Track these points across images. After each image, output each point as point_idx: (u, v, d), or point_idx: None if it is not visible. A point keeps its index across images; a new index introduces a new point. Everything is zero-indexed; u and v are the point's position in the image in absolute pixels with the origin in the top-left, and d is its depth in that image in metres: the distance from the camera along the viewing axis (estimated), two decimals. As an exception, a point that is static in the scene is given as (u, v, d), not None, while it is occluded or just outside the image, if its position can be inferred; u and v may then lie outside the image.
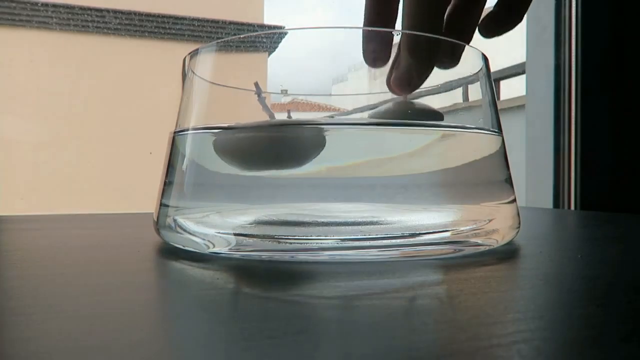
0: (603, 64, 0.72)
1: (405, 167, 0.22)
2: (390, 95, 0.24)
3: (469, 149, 0.23)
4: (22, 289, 0.15)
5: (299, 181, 0.21)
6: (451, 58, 0.23)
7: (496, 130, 0.24)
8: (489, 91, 0.24)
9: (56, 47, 0.96)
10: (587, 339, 0.11)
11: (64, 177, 0.97)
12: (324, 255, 0.19)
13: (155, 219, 0.23)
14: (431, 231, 0.20)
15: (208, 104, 0.24)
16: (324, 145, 0.20)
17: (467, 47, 0.24)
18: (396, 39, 0.23)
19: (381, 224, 0.20)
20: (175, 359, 0.10)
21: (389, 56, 0.24)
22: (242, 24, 1.05)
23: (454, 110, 0.24)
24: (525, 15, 0.26)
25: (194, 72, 0.24)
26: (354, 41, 0.24)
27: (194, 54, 0.24)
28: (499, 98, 0.97)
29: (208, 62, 0.24)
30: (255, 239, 0.19)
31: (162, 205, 0.23)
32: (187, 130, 0.23)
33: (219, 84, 0.23)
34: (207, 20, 1.02)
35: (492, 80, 0.25)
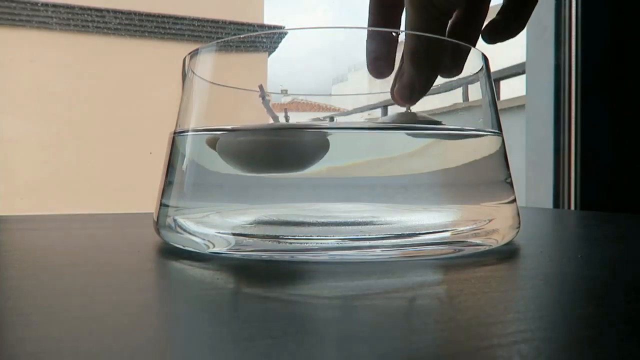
0: (603, 64, 0.72)
1: (405, 167, 0.22)
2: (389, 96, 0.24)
3: (469, 149, 0.23)
4: (21, 289, 0.15)
5: (299, 181, 0.21)
6: (454, 68, 0.23)
7: (496, 131, 0.24)
8: (489, 91, 0.24)
9: (56, 47, 0.96)
10: (587, 339, 0.11)
11: (64, 177, 0.97)
12: (324, 255, 0.19)
13: (155, 219, 0.23)
14: (431, 231, 0.20)
15: (208, 104, 0.24)
16: (328, 149, 0.20)
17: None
18: (400, 53, 0.23)
19: (381, 224, 0.20)
20: (175, 359, 0.10)
21: (393, 67, 0.24)
22: (242, 24, 1.05)
23: (454, 110, 0.24)
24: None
25: (194, 72, 0.24)
26: (354, 41, 0.24)
27: (194, 54, 0.24)
28: (499, 98, 0.97)
29: (208, 62, 0.24)
30: (255, 239, 0.19)
31: (162, 205, 0.23)
32: (187, 130, 0.23)
33: (219, 84, 0.23)
34: (207, 20, 1.02)
35: (492, 80, 0.25)
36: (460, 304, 0.14)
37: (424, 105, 0.23)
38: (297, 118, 0.25)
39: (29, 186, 0.93)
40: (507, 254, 0.22)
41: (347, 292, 0.15)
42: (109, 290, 0.15)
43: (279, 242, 0.19)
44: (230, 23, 1.05)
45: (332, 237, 0.19)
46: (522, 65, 0.82)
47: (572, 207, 0.72)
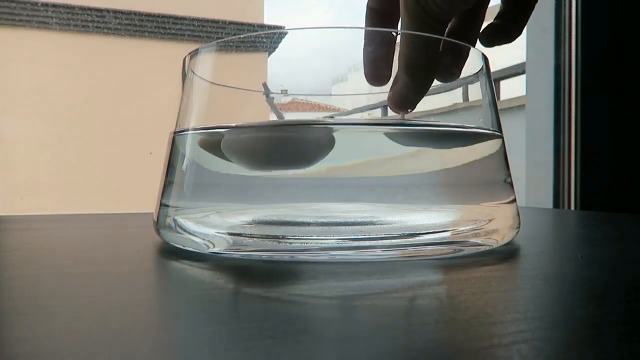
0: (603, 64, 0.72)
1: (405, 167, 0.22)
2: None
3: (469, 149, 0.23)
4: (21, 289, 0.15)
5: (298, 181, 0.21)
6: (450, 73, 0.23)
7: (496, 130, 0.24)
8: (489, 91, 0.24)
9: (56, 47, 0.96)
10: (587, 339, 0.11)
11: (64, 177, 0.97)
12: (324, 255, 0.19)
13: (155, 219, 0.23)
14: (431, 231, 0.20)
15: (208, 104, 0.24)
16: (334, 146, 0.20)
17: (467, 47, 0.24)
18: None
19: (381, 224, 0.20)
20: (175, 359, 0.10)
21: (391, 71, 0.24)
22: (242, 24, 1.05)
23: (454, 110, 0.24)
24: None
25: (194, 72, 0.24)
26: (354, 41, 0.24)
27: (194, 54, 0.24)
28: (499, 98, 0.97)
29: (208, 62, 0.24)
30: (255, 239, 0.19)
31: (162, 205, 0.23)
32: (187, 130, 0.23)
33: (219, 84, 0.23)
34: (207, 20, 1.02)
35: (492, 80, 0.25)
36: (460, 304, 0.14)
37: (424, 105, 0.23)
38: (298, 118, 0.25)
39: (29, 186, 0.93)
40: (507, 254, 0.22)
41: (347, 292, 0.15)
42: (108, 290, 0.15)
43: (279, 242, 0.19)
44: (230, 23, 1.05)
45: (332, 237, 0.19)
46: (522, 65, 0.82)
47: (572, 207, 0.72)
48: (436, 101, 0.24)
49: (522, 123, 0.81)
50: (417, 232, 0.20)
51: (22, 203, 0.87)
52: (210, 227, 0.21)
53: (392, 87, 0.23)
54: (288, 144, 0.21)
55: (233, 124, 0.22)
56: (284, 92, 0.24)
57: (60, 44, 0.96)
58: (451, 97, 0.25)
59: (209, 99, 0.24)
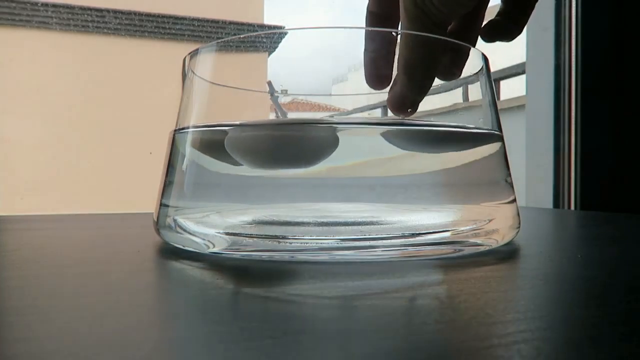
0: (603, 64, 0.72)
1: (405, 167, 0.22)
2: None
3: (469, 149, 0.23)
4: (22, 289, 0.15)
5: (298, 181, 0.21)
6: (450, 73, 0.23)
7: (496, 130, 0.24)
8: (489, 91, 0.24)
9: (56, 47, 0.96)
10: (587, 339, 0.11)
11: (64, 177, 0.97)
12: (324, 255, 0.19)
13: (155, 219, 0.23)
14: (431, 231, 0.20)
15: (208, 103, 0.24)
16: (338, 145, 0.20)
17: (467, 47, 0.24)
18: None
19: (381, 224, 0.20)
20: (175, 359, 0.10)
21: (390, 77, 0.24)
22: (242, 24, 1.05)
23: (454, 110, 0.24)
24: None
25: (194, 72, 0.24)
26: (354, 41, 0.24)
27: (194, 54, 0.24)
28: (499, 98, 0.97)
29: (208, 62, 0.24)
30: (255, 239, 0.19)
31: (162, 205, 0.23)
32: (187, 130, 0.23)
33: (219, 84, 0.23)
34: (207, 20, 1.02)
35: (492, 80, 0.25)
36: (460, 304, 0.14)
37: (424, 105, 0.23)
38: (300, 117, 0.25)
39: (29, 186, 0.93)
40: (507, 254, 0.22)
41: (347, 292, 0.15)
42: (108, 290, 0.15)
43: (279, 242, 0.19)
44: (230, 23, 1.05)
45: (332, 237, 0.19)
46: (522, 65, 0.82)
47: (572, 207, 0.72)
48: (436, 101, 0.24)
49: (522, 123, 0.81)
50: (417, 232, 0.20)
51: (22, 203, 0.87)
52: (210, 227, 0.21)
53: (390, 89, 0.23)
54: (293, 142, 0.21)
55: (237, 122, 0.22)
56: (284, 92, 0.24)
57: (60, 44, 0.96)
58: (451, 97, 0.25)
59: (209, 99, 0.24)
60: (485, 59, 0.24)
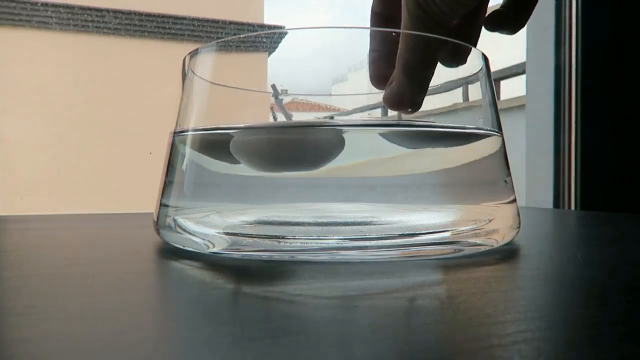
0: (603, 64, 0.72)
1: (405, 167, 0.22)
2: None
3: (469, 148, 0.23)
4: (22, 289, 0.15)
5: (298, 181, 0.21)
6: (452, 60, 0.23)
7: (496, 130, 0.24)
8: (489, 91, 0.24)
9: (56, 47, 0.96)
10: (587, 339, 0.11)
11: (64, 177, 0.97)
12: (324, 255, 0.19)
13: (155, 219, 0.23)
14: (431, 231, 0.20)
15: (208, 103, 0.24)
16: (344, 147, 0.20)
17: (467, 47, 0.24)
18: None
19: (381, 224, 0.20)
20: (175, 359, 0.10)
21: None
22: (242, 24, 1.05)
23: (454, 110, 0.24)
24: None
25: (194, 72, 0.24)
26: (354, 41, 0.24)
27: (194, 54, 0.24)
28: (499, 98, 0.97)
29: (208, 62, 0.24)
30: (255, 239, 0.19)
31: (162, 205, 0.23)
32: (187, 130, 0.23)
33: (219, 84, 0.23)
34: (207, 20, 1.02)
35: (492, 80, 0.25)
36: (460, 304, 0.14)
37: (424, 105, 0.23)
38: (298, 118, 0.25)
39: (29, 186, 0.93)
40: (507, 254, 0.22)
41: (347, 292, 0.15)
42: (108, 290, 0.15)
43: (279, 242, 0.19)
44: (230, 23, 1.05)
45: (332, 237, 0.19)
46: (522, 65, 0.82)
47: (572, 207, 0.72)
48: (436, 101, 0.24)
49: (522, 123, 0.81)
50: (417, 232, 0.20)
51: (22, 203, 0.87)
52: (210, 227, 0.21)
53: (387, 86, 0.23)
54: (301, 146, 0.21)
55: (241, 125, 0.22)
56: (284, 92, 0.24)
57: (60, 44, 0.96)
58: (451, 97, 0.25)
59: (209, 99, 0.24)
60: (485, 58, 0.24)
